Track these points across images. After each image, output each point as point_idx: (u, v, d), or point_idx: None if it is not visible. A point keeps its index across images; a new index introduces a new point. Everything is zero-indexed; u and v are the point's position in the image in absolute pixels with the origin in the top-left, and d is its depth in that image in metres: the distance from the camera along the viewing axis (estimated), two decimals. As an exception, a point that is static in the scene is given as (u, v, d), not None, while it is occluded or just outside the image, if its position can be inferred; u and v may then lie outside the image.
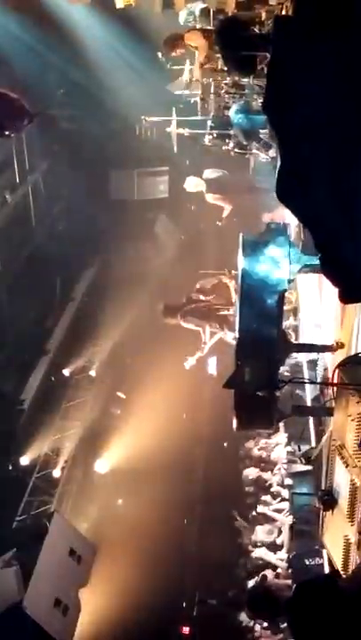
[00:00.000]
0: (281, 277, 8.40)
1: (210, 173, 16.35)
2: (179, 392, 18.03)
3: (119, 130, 21.50)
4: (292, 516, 13.55)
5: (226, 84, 13.38)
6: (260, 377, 7.45)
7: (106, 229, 22.33)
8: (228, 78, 13.20)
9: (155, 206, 23.54)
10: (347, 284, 4.54)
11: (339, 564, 7.10)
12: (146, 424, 18.48)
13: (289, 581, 12.04)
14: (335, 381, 7.39)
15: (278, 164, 4.61)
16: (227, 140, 14.04)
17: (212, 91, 14.28)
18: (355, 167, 4.05)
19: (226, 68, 12.63)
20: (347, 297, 4.72)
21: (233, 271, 13.13)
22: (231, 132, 13.57)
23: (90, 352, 21.11)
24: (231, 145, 13.95)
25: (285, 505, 14.07)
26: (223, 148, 14.37)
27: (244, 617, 12.93)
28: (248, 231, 9.08)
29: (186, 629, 15.21)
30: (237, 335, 8.04)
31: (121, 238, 22.70)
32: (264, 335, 7.87)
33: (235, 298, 13.01)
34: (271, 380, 7.68)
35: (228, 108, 13.28)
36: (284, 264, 8.44)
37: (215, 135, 14.22)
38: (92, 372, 20.89)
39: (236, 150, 13.90)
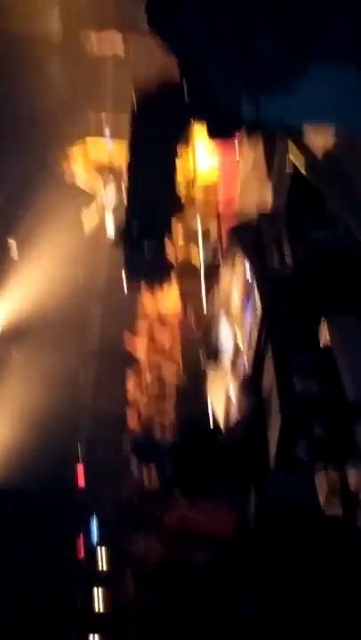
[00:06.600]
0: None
1: None
2: (76, 252, 17.84)
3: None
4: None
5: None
6: (148, 229, 7.60)
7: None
8: None
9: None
10: (215, 118, 4.52)
11: (221, 421, 7.50)
12: (41, 282, 18.26)
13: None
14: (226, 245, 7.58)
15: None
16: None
17: None
18: None
19: None
20: (214, 133, 4.77)
21: None
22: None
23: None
24: None
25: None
26: None
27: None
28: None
29: (80, 468, 15.78)
30: (129, 191, 8.06)
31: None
32: (155, 195, 7.91)
33: None
34: (159, 230, 7.87)
35: None
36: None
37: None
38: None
39: None
